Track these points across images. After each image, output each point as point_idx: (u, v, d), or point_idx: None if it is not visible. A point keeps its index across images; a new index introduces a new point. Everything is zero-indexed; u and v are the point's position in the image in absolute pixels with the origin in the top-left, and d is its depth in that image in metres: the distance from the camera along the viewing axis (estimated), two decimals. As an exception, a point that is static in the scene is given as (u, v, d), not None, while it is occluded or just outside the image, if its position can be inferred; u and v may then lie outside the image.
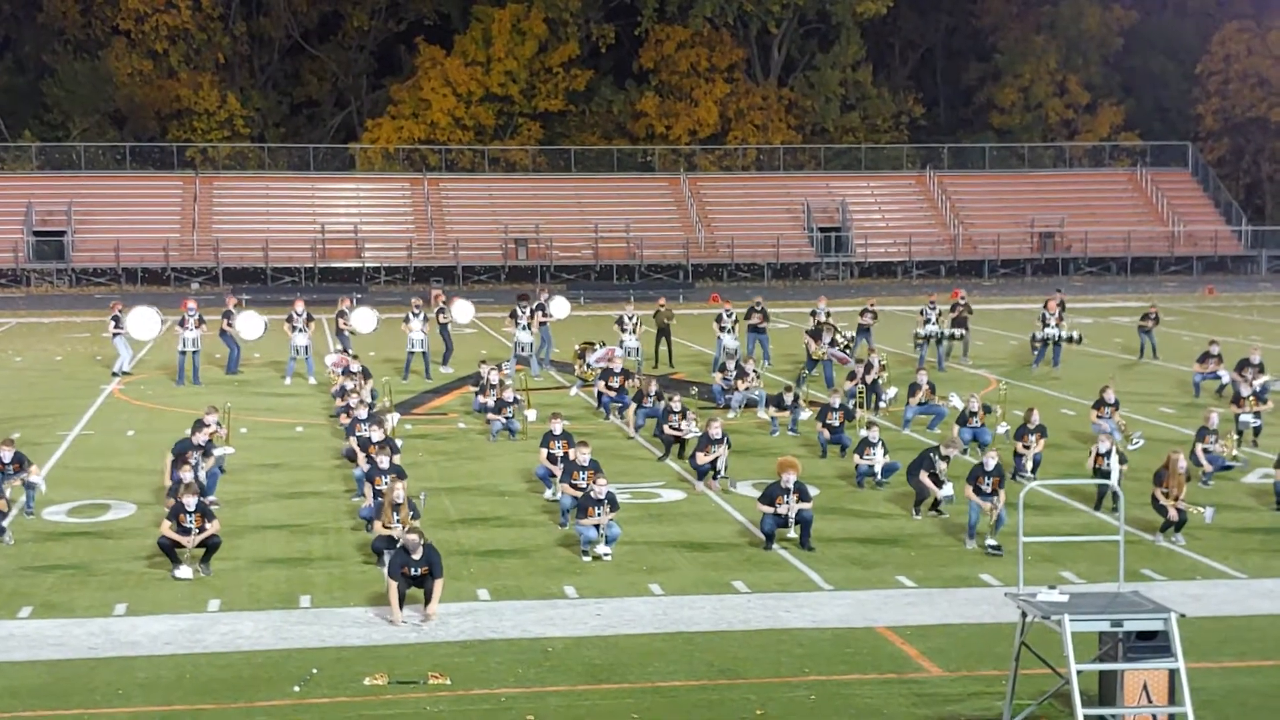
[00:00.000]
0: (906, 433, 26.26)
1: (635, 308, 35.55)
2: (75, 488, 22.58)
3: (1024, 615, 12.05)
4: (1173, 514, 18.99)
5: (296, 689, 13.81)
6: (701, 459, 22.26)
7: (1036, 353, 35.58)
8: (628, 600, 16.63)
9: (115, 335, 34.64)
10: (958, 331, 35.98)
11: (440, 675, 14.06)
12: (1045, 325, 35.31)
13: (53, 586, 17.20)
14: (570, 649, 14.99)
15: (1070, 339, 35.59)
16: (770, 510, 18.75)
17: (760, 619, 15.98)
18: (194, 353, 33.28)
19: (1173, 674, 11.72)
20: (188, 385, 32.74)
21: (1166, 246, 72.38)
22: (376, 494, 19.06)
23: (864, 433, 23.11)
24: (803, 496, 18.86)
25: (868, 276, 68.68)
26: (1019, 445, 22.74)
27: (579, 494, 18.89)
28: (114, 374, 34.61)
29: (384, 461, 19.55)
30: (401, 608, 15.71)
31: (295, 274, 65.42)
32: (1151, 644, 11.81)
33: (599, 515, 18.25)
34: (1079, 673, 11.40)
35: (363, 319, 36.44)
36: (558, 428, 21.94)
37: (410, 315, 34.08)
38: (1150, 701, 11.83)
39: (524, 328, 33.84)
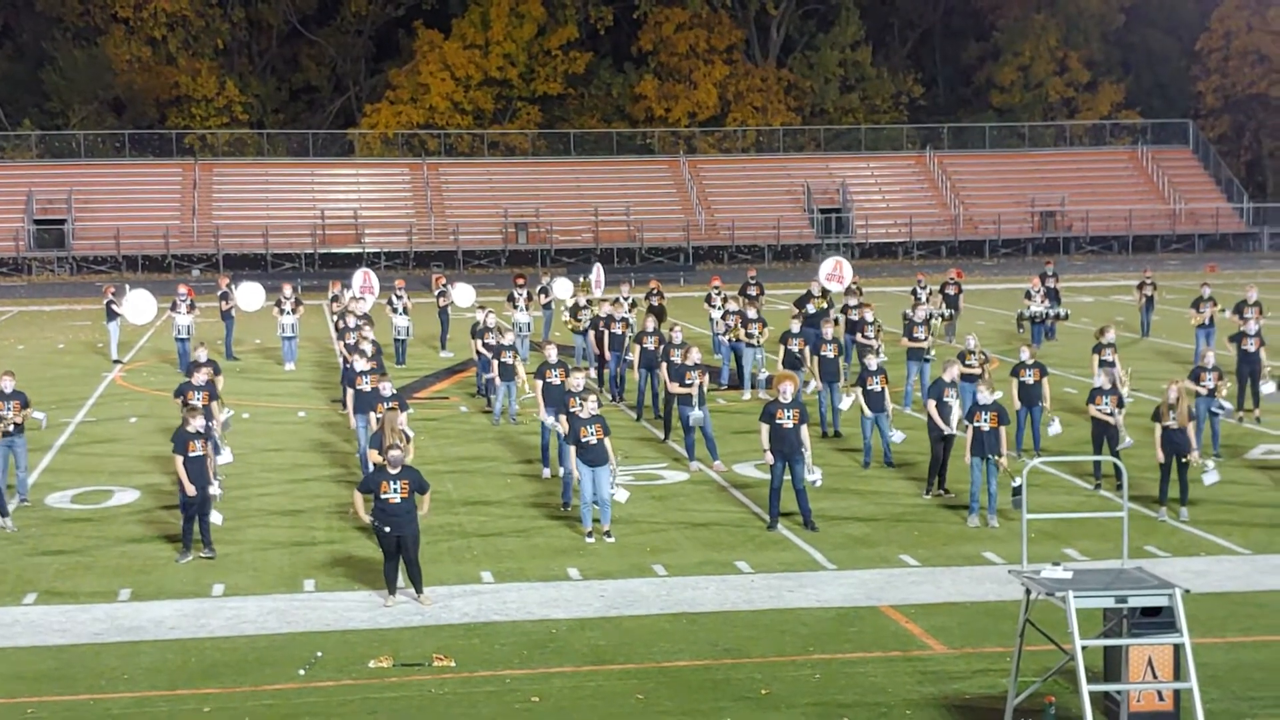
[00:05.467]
0: (909, 410, 26.23)
1: (632, 290, 35.47)
2: (79, 474, 22.62)
3: (1028, 592, 12.04)
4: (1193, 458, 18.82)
5: (301, 672, 13.83)
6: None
7: (1032, 331, 35.42)
8: (631, 581, 16.64)
9: (110, 320, 34.64)
10: (947, 311, 35.91)
11: (445, 657, 14.08)
12: (1031, 302, 35.26)
13: (57, 573, 17.21)
14: (574, 630, 15.00)
15: (1059, 315, 35.52)
16: (769, 425, 18.51)
17: (764, 599, 15.99)
18: (188, 339, 33.22)
19: (1178, 649, 11.70)
20: (190, 370, 32.73)
21: (1168, 224, 72.25)
22: (378, 420, 19.39)
23: (868, 361, 22.34)
24: (802, 415, 18.68)
25: (869, 258, 68.54)
26: (1015, 382, 22.50)
27: (566, 427, 18.54)
28: (114, 361, 34.65)
29: (385, 389, 20.23)
30: (394, 592, 15.74)
31: (295, 260, 65.37)
32: (1156, 620, 11.80)
33: (591, 435, 18.11)
34: (1084, 649, 11.39)
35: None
36: (553, 355, 22.24)
37: (393, 298, 33.91)
38: (1155, 677, 11.83)
39: (521, 309, 33.81)
